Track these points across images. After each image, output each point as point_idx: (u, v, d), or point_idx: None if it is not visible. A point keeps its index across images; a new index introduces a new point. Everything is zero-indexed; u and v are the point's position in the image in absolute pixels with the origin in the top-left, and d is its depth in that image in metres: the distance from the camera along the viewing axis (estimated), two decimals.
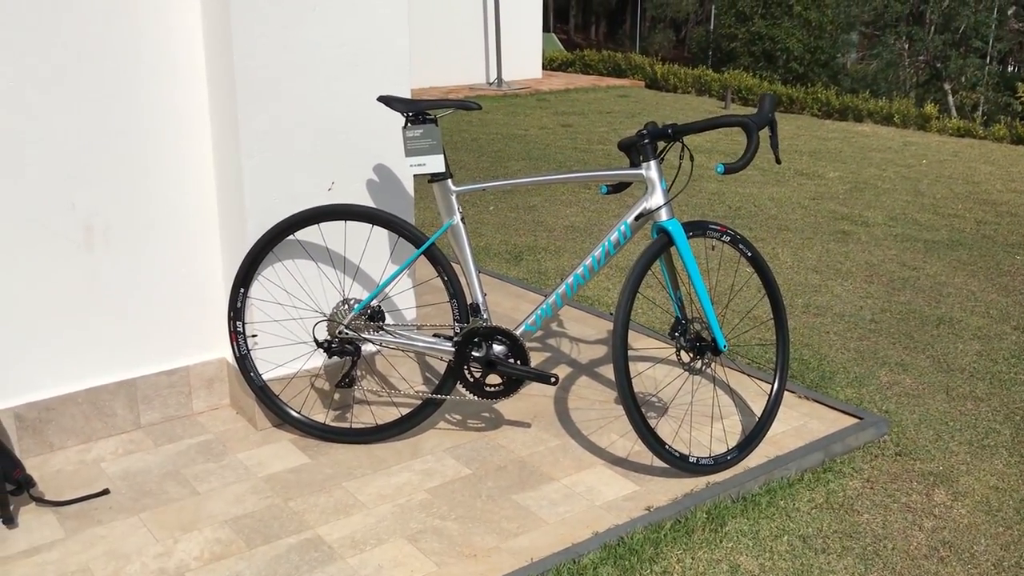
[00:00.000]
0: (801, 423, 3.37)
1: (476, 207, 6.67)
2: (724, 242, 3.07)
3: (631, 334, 4.13)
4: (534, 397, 3.52)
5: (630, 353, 3.89)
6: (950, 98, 10.51)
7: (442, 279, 3.04)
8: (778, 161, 2.94)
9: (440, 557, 2.57)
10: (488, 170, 7.87)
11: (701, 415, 3.41)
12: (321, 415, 3.28)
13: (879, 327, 4.46)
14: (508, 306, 4.48)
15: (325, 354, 3.06)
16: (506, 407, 3.43)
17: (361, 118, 3.19)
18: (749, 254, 3.13)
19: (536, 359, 3.87)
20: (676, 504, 2.84)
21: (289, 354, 3.23)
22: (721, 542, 2.74)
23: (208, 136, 3.16)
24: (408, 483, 2.93)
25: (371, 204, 3.29)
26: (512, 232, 6.02)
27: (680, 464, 2.93)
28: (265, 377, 3.17)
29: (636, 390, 3.55)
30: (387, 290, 3.39)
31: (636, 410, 2.84)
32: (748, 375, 3.74)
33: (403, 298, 3.45)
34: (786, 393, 3.57)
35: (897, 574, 2.64)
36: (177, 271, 3.19)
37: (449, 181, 3.01)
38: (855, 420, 3.38)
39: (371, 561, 2.55)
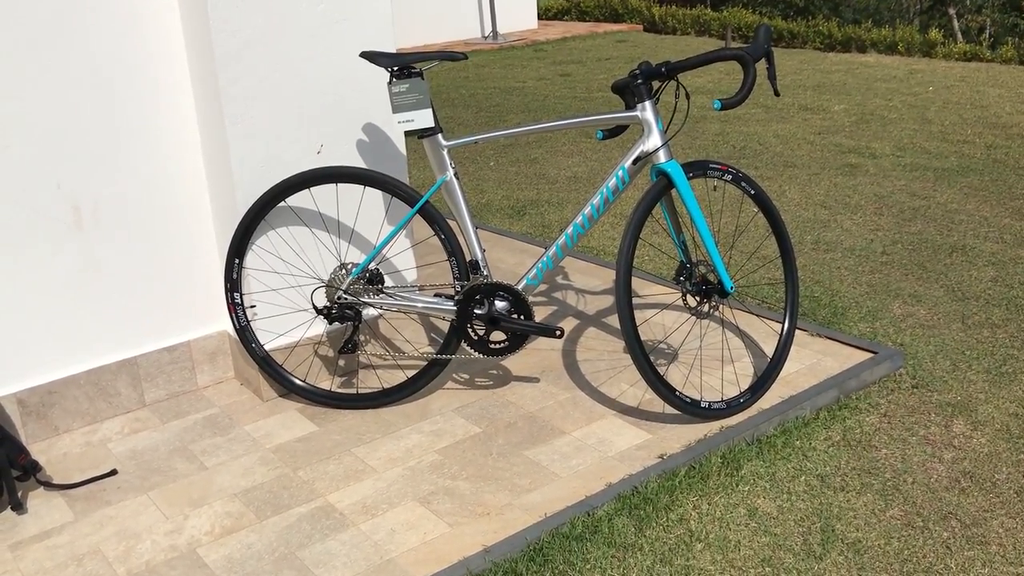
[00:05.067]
0: (815, 361, 3.31)
1: (476, 163, 6.58)
2: (726, 181, 2.99)
3: (638, 282, 4.07)
4: (542, 351, 3.47)
5: (637, 301, 3.84)
6: (955, 22, 10.28)
7: (439, 237, 2.97)
8: (776, 93, 2.85)
9: (453, 517, 2.54)
10: (487, 125, 7.76)
11: (712, 359, 3.35)
12: (327, 383, 3.24)
13: (891, 259, 4.37)
14: (512, 262, 4.42)
15: (325, 321, 3.01)
16: (514, 362, 3.39)
17: (346, 77, 3.11)
18: (752, 192, 3.05)
19: (543, 312, 3.82)
20: (690, 451, 2.79)
21: (290, 323, 3.18)
22: (737, 486, 2.69)
23: (192, 106, 3.09)
24: (418, 445, 2.89)
25: (362, 165, 3.22)
26: (514, 186, 5.94)
27: (692, 410, 2.88)
28: (268, 347, 3.13)
29: (644, 338, 3.50)
30: (385, 252, 3.33)
31: (644, 357, 2.78)
32: (758, 316, 3.68)
33: (402, 259, 3.39)
34: (798, 331, 3.51)
35: (918, 508, 2.59)
36: (170, 245, 3.14)
37: (439, 136, 2.94)
38: (869, 355, 3.31)
39: (383, 525, 2.52)
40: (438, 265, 4.17)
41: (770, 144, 6.66)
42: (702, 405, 2.90)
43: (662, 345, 3.47)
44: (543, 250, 4.49)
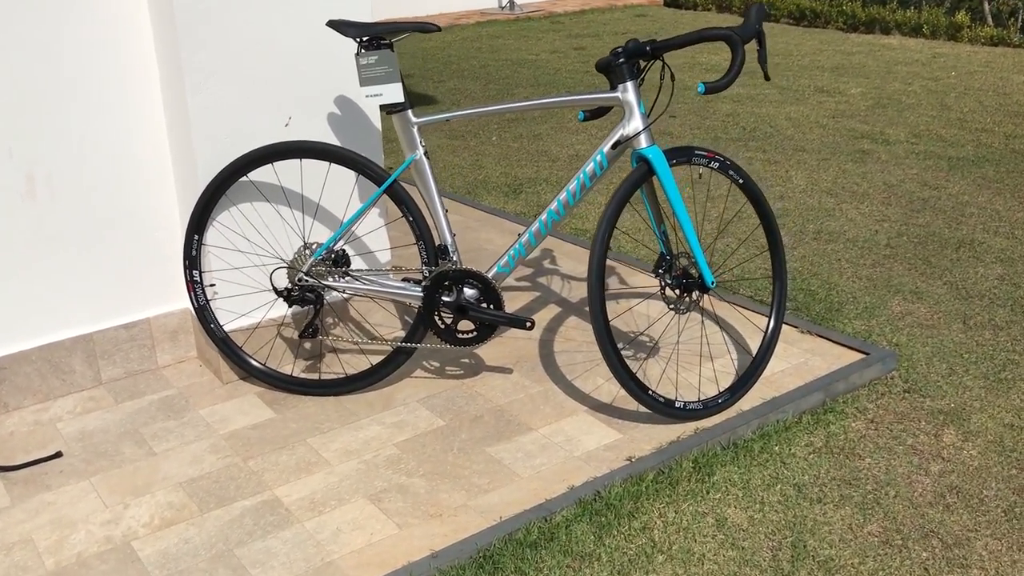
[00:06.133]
0: (802, 360, 3.14)
1: (478, 137, 6.41)
2: (713, 169, 2.82)
3: (625, 269, 3.91)
4: (518, 340, 3.32)
5: (622, 289, 3.68)
6: (985, 4, 9.95)
7: (407, 219, 2.82)
8: (767, 78, 2.68)
9: (403, 518, 2.41)
10: (494, 98, 7.58)
11: (694, 355, 3.20)
12: (291, 366, 3.11)
13: (894, 252, 4.19)
14: (501, 243, 4.26)
15: (285, 303, 2.87)
16: (487, 352, 3.24)
17: (317, 46, 2.96)
18: (741, 181, 2.88)
19: (524, 298, 3.67)
20: (660, 453, 2.65)
21: (252, 303, 3.05)
22: (708, 493, 2.55)
23: (156, 77, 2.94)
24: (376, 437, 2.76)
25: (333, 140, 3.07)
26: (513, 163, 5.77)
27: (665, 410, 2.73)
28: (230, 327, 3.00)
29: (626, 329, 3.35)
30: (355, 232, 3.19)
31: (614, 353, 2.63)
32: (746, 309, 3.51)
33: (376, 240, 3.24)
34: (788, 328, 3.34)
35: (898, 524, 2.44)
36: (131, 219, 3.01)
37: (410, 112, 2.78)
38: (861, 355, 3.15)
39: (330, 524, 2.39)
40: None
41: (781, 126, 6.45)
42: (676, 405, 2.75)
43: (643, 337, 3.32)
44: None
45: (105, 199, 2.94)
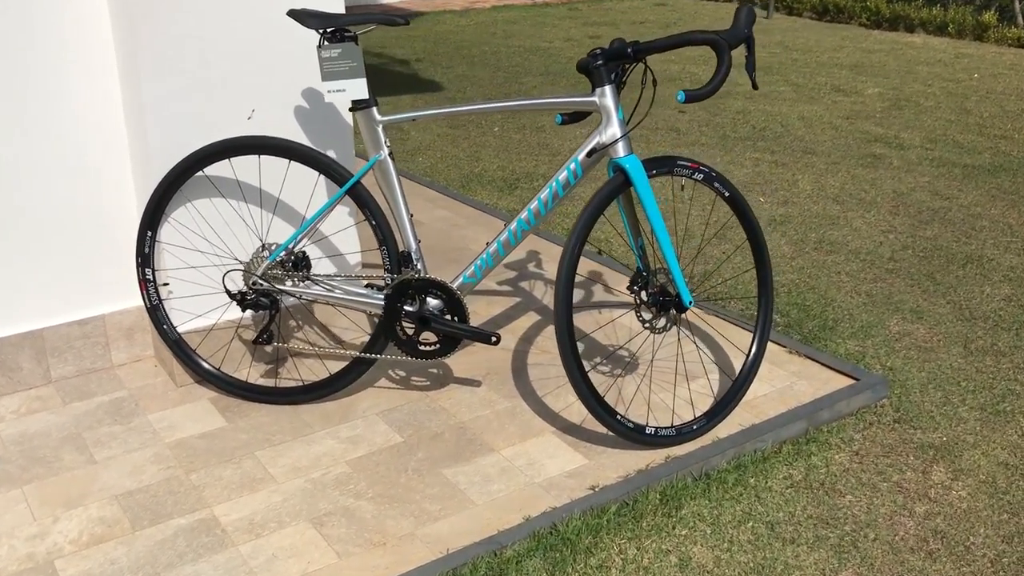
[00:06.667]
0: (787, 384, 2.97)
1: (480, 128, 6.24)
2: (697, 180, 2.65)
3: (613, 275, 3.74)
4: (491, 350, 3.16)
5: (608, 298, 3.52)
6: (1017, 3, 9.65)
7: (370, 223, 2.67)
8: (754, 87, 2.50)
9: (344, 545, 2.26)
10: (502, 87, 7.40)
11: (675, 373, 3.03)
12: (251, 371, 2.97)
13: (897, 266, 4.00)
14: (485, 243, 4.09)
15: (239, 307, 2.72)
16: (457, 362, 3.09)
17: (284, 36, 2.80)
18: (727, 194, 2.71)
19: (503, 303, 3.50)
20: (626, 483, 2.49)
21: (209, 303, 2.90)
22: (674, 529, 2.39)
23: (115, 66, 2.79)
24: (328, 453, 2.61)
25: (302, 135, 2.91)
26: (513, 156, 5.60)
27: (634, 436, 2.57)
28: (185, 328, 2.86)
29: (607, 342, 3.19)
30: (323, 234, 3.03)
31: (579, 373, 2.47)
32: (731, 327, 3.34)
33: (345, 243, 3.09)
34: (775, 347, 3.17)
35: (875, 570, 2.27)
36: (86, 212, 2.87)
37: (374, 110, 2.62)
38: (850, 381, 2.97)
39: (266, 549, 2.25)
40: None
41: (793, 126, 6.24)
42: (647, 431, 2.59)
43: (622, 352, 3.15)
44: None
45: (60, 191, 2.80)
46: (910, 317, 3.54)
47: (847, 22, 10.81)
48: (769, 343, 3.18)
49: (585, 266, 3.81)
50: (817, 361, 3.09)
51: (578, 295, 3.56)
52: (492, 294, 3.58)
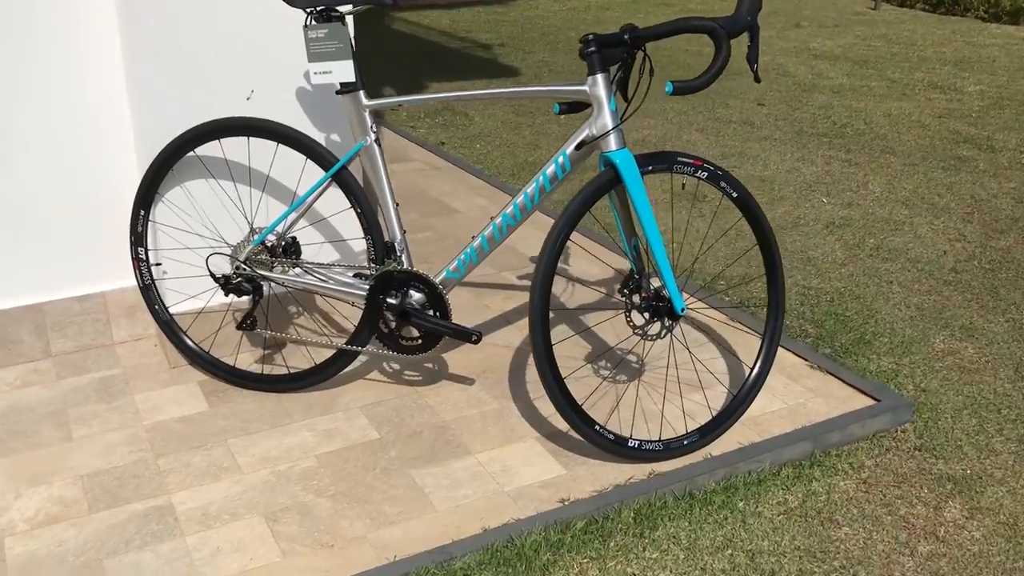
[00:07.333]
0: (800, 401, 2.76)
1: (546, 115, 6.09)
2: (700, 179, 2.47)
3: (623, 263, 3.55)
4: (494, 347, 3.04)
5: (600, 300, 3.34)
6: None
7: (355, 210, 2.58)
8: (757, 80, 2.30)
9: (291, 544, 2.19)
10: (577, 74, 7.22)
11: (677, 382, 2.85)
12: (246, 356, 2.92)
13: (959, 278, 3.70)
14: (525, 238, 3.96)
15: (223, 291, 2.67)
16: (454, 359, 2.98)
17: (284, 14, 2.72)
18: (735, 195, 2.52)
19: (518, 298, 3.37)
20: (600, 498, 2.34)
21: (202, 285, 2.86)
22: (644, 551, 2.23)
23: (118, 45, 2.78)
24: (301, 445, 2.54)
25: (300, 116, 2.84)
26: (519, 142, 5.44)
27: (614, 449, 2.42)
28: (178, 309, 2.83)
29: (603, 339, 3.03)
30: (316, 221, 2.96)
31: (554, 380, 2.33)
32: (746, 334, 3.13)
33: (341, 231, 3.00)
34: (797, 360, 2.96)
35: None
36: (89, 188, 2.87)
37: (361, 93, 2.53)
38: (871, 402, 2.74)
39: (212, 541, 2.19)
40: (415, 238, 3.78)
41: (876, 124, 5.89)
42: (629, 444, 2.43)
43: (618, 354, 2.99)
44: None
45: (63, 167, 2.81)
46: (959, 335, 3.27)
47: (963, 14, 10.20)
48: (791, 356, 2.97)
49: (582, 265, 3.64)
50: (838, 377, 2.87)
51: (569, 295, 3.40)
52: (499, 287, 3.45)
